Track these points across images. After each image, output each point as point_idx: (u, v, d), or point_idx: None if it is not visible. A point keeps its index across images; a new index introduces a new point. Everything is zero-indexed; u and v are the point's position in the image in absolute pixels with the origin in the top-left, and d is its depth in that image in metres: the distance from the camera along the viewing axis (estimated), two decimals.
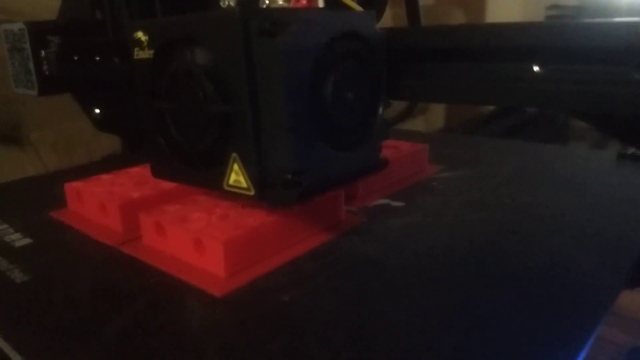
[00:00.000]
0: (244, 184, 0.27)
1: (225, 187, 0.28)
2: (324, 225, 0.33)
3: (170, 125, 0.30)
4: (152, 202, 0.33)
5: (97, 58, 0.50)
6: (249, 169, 0.27)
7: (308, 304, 0.25)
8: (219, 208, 0.31)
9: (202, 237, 0.27)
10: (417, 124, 1.49)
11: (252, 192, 0.27)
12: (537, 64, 0.26)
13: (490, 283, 0.26)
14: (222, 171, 0.28)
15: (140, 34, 0.30)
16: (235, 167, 0.27)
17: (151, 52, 0.30)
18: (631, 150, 0.44)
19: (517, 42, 0.27)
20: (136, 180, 0.37)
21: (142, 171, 0.39)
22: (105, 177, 0.38)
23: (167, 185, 0.35)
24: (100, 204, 0.34)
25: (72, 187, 0.37)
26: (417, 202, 0.37)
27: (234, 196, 0.29)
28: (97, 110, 0.57)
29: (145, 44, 0.30)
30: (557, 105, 0.27)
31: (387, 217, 0.35)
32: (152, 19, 0.38)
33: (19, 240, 0.34)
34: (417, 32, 0.31)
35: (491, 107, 1.69)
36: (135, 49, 0.31)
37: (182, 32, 0.28)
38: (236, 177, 0.28)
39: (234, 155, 0.27)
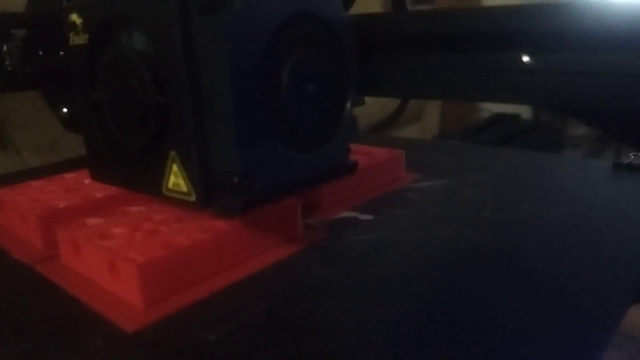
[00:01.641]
0: (183, 188, 0.23)
1: (165, 192, 0.24)
2: (277, 241, 0.28)
3: (109, 120, 0.26)
4: (78, 213, 0.29)
5: (63, 52, 0.46)
6: (189, 170, 0.23)
7: (236, 344, 0.20)
8: (149, 222, 0.27)
9: (116, 258, 0.23)
10: (410, 132, 1.45)
11: (192, 198, 0.23)
12: (527, 54, 0.22)
13: (457, 312, 0.22)
14: (161, 173, 0.24)
15: (74, 17, 0.26)
16: (174, 167, 0.23)
17: (86, 36, 0.26)
18: (628, 159, 0.40)
19: (504, 27, 0.22)
20: (68, 187, 0.33)
21: (77, 177, 0.35)
22: (35, 183, 0.34)
23: (102, 193, 0.31)
24: (21, 215, 0.30)
25: None
26: (388, 215, 0.33)
27: (175, 203, 0.24)
28: (65, 109, 0.53)
29: (80, 27, 0.26)
30: (549, 101, 0.22)
31: (352, 232, 0.30)
32: None
33: None
34: (391, 18, 0.27)
35: (486, 114, 1.65)
36: (71, 34, 0.27)
37: (116, 12, 0.24)
38: (175, 179, 0.23)
39: (173, 153, 0.23)
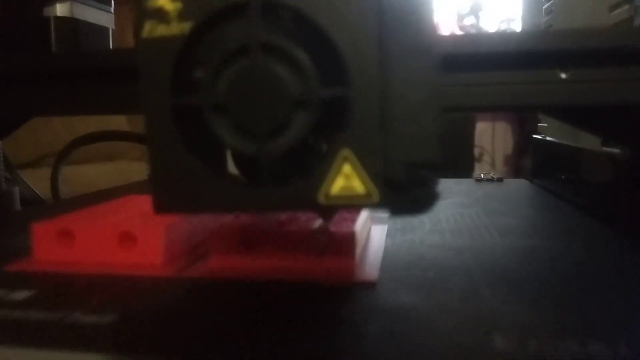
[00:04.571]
0: (358, 190, 0.20)
1: (322, 200, 0.21)
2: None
3: (216, 129, 0.21)
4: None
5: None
6: (369, 168, 0.20)
7: None
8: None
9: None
10: None
11: (374, 199, 0.20)
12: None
13: None
14: (313, 179, 0.21)
15: (163, 1, 0.20)
16: (346, 168, 0.20)
17: (185, 26, 0.20)
18: (486, 175, 0.55)
19: None
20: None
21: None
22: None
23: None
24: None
25: None
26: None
27: (330, 212, 0.24)
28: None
29: (173, 15, 0.20)
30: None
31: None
32: None
33: None
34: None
35: None
36: (148, 23, 0.20)
37: None
38: (345, 182, 0.20)
39: (345, 152, 0.20)
